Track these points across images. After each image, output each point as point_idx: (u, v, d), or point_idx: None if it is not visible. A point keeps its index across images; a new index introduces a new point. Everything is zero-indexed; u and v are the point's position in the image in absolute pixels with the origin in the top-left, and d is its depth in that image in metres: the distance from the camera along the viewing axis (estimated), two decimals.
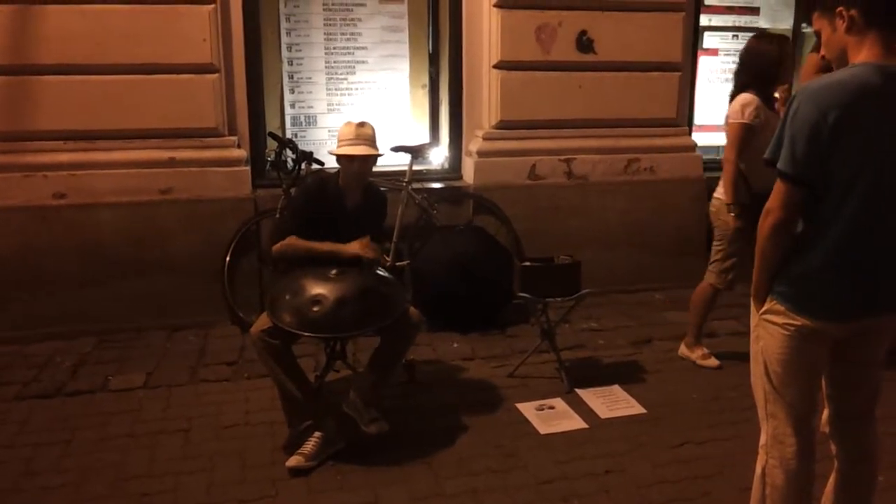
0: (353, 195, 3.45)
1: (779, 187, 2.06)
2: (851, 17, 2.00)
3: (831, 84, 1.99)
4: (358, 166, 3.37)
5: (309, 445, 3.16)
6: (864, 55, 2.00)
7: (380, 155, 3.45)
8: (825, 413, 2.34)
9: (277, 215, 4.51)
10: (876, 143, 1.98)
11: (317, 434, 3.19)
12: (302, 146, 4.83)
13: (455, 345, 4.48)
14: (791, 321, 2.12)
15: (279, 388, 3.24)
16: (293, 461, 3.11)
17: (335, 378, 3.75)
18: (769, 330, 2.18)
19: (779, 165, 2.03)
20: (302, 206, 3.47)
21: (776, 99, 5.51)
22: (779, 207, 2.05)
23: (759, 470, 2.31)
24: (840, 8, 2.01)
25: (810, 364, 2.18)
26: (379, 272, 3.42)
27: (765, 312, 2.19)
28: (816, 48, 5.29)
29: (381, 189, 3.74)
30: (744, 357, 4.22)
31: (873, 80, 1.96)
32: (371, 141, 3.38)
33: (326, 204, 3.40)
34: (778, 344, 2.16)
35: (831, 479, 2.38)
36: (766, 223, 2.09)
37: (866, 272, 2.07)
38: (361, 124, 3.39)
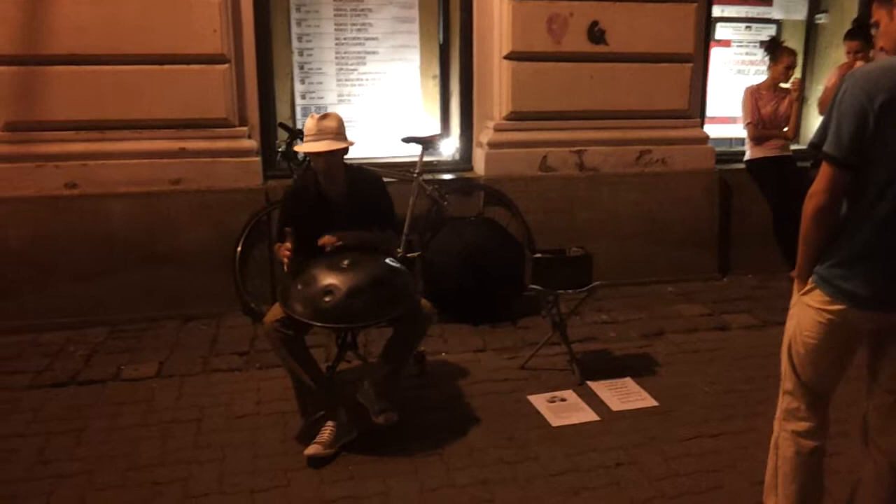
0: (335, 187, 3.39)
1: (824, 170, 2.07)
2: None
3: (879, 69, 2.02)
4: (324, 162, 3.28)
5: (325, 434, 3.16)
6: None
7: (349, 146, 3.35)
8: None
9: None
10: None
11: (330, 423, 3.20)
12: None
13: (466, 335, 4.48)
14: (825, 307, 2.15)
15: (292, 378, 3.24)
16: (311, 450, 3.10)
17: (346, 368, 3.75)
18: (804, 311, 2.22)
19: (825, 148, 2.05)
20: (286, 209, 3.48)
21: (787, 90, 5.50)
22: (823, 191, 2.07)
23: (773, 439, 2.39)
24: None
25: (836, 351, 2.21)
26: (391, 263, 3.41)
27: (804, 293, 2.22)
28: (848, 36, 5.20)
29: (372, 171, 3.65)
30: (756, 350, 4.24)
31: None
32: (334, 133, 3.27)
33: (308, 202, 3.37)
34: (808, 325, 2.20)
35: (864, 477, 2.37)
36: (809, 205, 2.11)
37: None
38: (324, 116, 3.30)
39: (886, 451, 2.28)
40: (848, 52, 5.21)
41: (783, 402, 2.34)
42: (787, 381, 2.32)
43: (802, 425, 2.29)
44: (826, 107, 2.13)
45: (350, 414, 3.28)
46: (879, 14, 2.13)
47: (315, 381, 3.21)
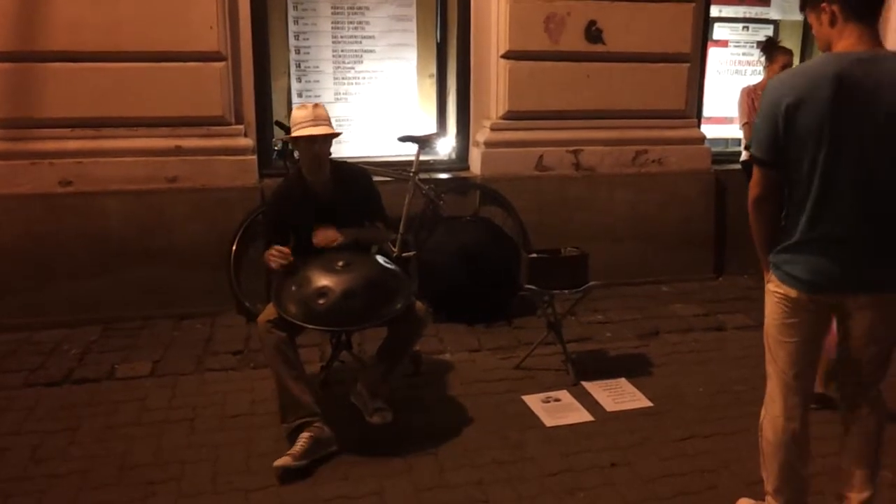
0: (321, 184, 3.38)
1: (755, 168, 2.30)
2: (833, 12, 2.19)
3: (794, 73, 2.23)
4: (319, 147, 3.30)
5: (298, 445, 3.05)
6: (840, 46, 2.16)
7: (339, 134, 3.41)
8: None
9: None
10: (832, 126, 2.11)
11: (305, 435, 3.07)
12: None
13: (461, 335, 4.47)
14: (779, 289, 2.33)
15: (277, 380, 3.16)
16: (281, 461, 3.00)
17: (342, 368, 3.75)
18: (769, 297, 2.40)
19: (751, 149, 2.27)
20: (272, 214, 3.48)
21: None
22: (755, 186, 2.31)
23: (759, 421, 2.54)
24: (824, 3, 2.18)
25: (801, 333, 2.34)
26: (385, 264, 3.40)
27: (768, 280, 2.40)
28: None
29: (355, 165, 3.64)
30: (751, 350, 4.23)
31: (831, 66, 2.10)
32: (329, 120, 3.34)
33: (293, 204, 3.36)
34: (773, 311, 2.38)
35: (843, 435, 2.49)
36: (749, 197, 2.34)
37: (834, 250, 2.21)
38: (317, 105, 3.34)
39: (849, 407, 2.43)
40: None
41: (767, 387, 2.49)
42: (768, 366, 2.47)
43: (777, 410, 2.43)
44: None
45: (333, 426, 3.17)
46: (811, 18, 2.26)
47: (298, 388, 3.11)
